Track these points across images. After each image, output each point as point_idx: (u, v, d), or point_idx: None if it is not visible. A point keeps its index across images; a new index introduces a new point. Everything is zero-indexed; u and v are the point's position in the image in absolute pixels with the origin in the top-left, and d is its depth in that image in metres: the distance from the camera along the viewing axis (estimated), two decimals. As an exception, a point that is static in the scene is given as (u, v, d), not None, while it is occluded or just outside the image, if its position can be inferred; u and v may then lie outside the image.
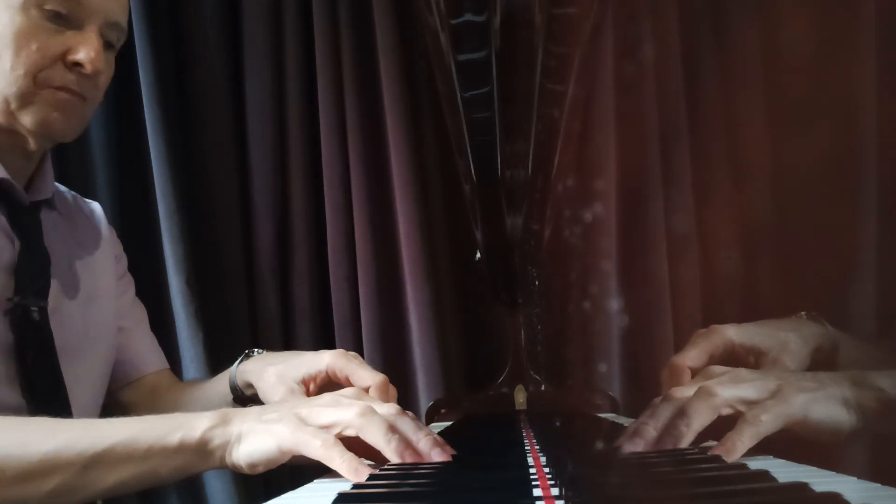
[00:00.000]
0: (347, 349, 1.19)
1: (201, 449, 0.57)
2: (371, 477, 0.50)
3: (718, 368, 0.60)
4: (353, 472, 0.52)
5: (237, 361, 0.84)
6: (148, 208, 1.22)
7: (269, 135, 1.25)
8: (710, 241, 1.15)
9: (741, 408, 0.53)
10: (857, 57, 1.06)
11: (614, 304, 1.15)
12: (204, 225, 1.23)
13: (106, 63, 0.77)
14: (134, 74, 1.20)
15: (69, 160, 1.20)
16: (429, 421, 1.11)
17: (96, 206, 0.94)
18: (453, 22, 0.71)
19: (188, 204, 1.21)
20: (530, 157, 0.87)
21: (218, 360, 1.17)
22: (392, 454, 0.54)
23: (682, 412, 0.54)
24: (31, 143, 0.76)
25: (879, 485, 0.39)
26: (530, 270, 1.09)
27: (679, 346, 1.14)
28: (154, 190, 1.19)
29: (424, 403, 1.16)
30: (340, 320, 1.22)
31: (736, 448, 0.50)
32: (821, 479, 0.41)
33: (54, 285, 0.78)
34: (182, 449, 0.56)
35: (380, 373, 0.72)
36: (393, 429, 0.55)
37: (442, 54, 0.76)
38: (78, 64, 0.73)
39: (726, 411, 0.54)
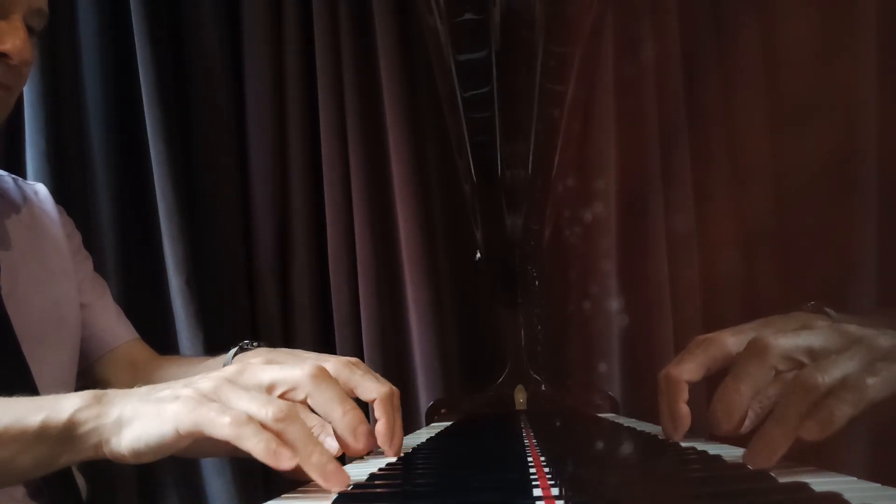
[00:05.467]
0: (347, 349, 1.21)
1: (68, 435, 0.47)
2: (371, 477, 0.50)
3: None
4: (271, 455, 0.43)
5: (232, 352, 0.81)
6: (148, 208, 1.22)
7: (269, 135, 1.25)
8: (710, 241, 1.15)
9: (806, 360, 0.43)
10: (857, 57, 1.06)
11: (614, 304, 1.15)
12: (204, 225, 1.23)
13: (31, 51, 0.74)
14: (134, 74, 1.20)
15: (69, 160, 1.20)
16: (429, 421, 1.11)
17: (40, 188, 0.91)
18: (453, 21, 0.71)
19: (188, 204, 1.21)
20: (530, 157, 0.87)
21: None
22: (346, 430, 0.47)
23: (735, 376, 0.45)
24: None
25: (879, 485, 0.39)
26: (530, 270, 1.09)
27: (679, 347, 1.14)
28: (154, 190, 1.19)
29: (424, 403, 1.16)
30: (340, 320, 1.22)
31: (834, 420, 0.40)
32: (821, 479, 0.41)
33: (6, 268, 0.75)
34: (44, 435, 0.47)
35: (386, 382, 0.67)
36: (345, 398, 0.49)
37: (442, 54, 0.76)
38: (4, 55, 0.69)
39: (784, 366, 0.45)
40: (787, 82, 1.12)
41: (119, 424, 0.47)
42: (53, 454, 0.48)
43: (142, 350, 0.93)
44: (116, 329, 0.92)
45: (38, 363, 0.76)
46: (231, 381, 0.48)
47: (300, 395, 0.48)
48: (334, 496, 0.41)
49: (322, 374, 0.49)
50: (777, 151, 1.14)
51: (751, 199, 1.14)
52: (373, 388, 0.64)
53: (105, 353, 0.90)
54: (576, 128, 1.14)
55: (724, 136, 1.16)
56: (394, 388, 0.67)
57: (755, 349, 0.47)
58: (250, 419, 0.44)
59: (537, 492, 0.41)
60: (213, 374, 0.49)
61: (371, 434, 0.48)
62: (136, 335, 0.94)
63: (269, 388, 0.48)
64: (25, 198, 0.87)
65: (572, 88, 0.87)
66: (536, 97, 0.78)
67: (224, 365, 0.78)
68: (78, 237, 0.94)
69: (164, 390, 0.48)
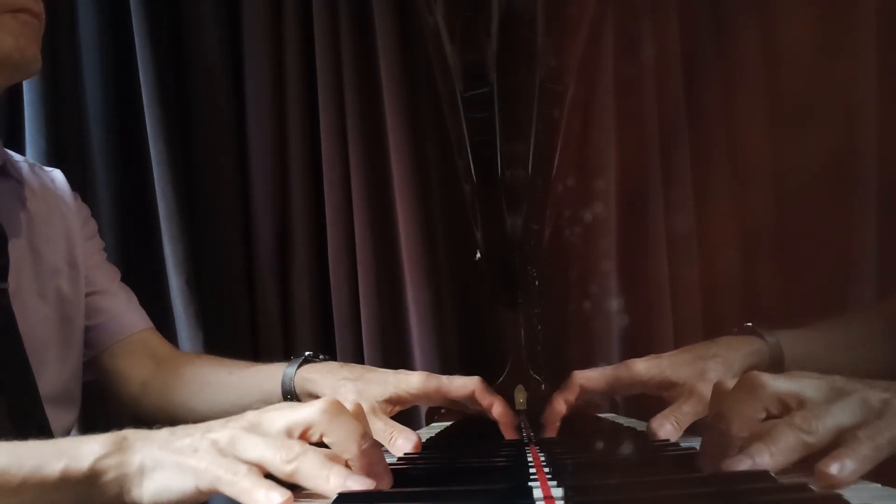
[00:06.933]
0: (347, 349, 1.21)
1: (91, 483, 0.46)
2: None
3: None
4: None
5: (295, 364, 0.77)
6: (148, 208, 1.22)
7: (269, 135, 1.25)
8: (710, 241, 1.15)
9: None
10: (857, 57, 1.06)
11: (614, 304, 1.15)
12: (204, 225, 1.23)
13: None
14: (134, 74, 1.20)
15: (69, 160, 1.20)
16: (429, 421, 1.11)
17: (57, 174, 0.90)
18: (453, 22, 0.71)
19: (188, 204, 1.21)
20: (530, 157, 0.87)
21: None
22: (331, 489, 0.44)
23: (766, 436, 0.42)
24: None
25: (879, 485, 0.39)
26: (530, 270, 1.09)
27: (679, 346, 1.14)
28: (154, 190, 1.19)
29: (424, 403, 1.15)
30: (340, 320, 1.22)
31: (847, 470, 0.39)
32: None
33: (15, 264, 0.73)
34: (65, 482, 0.46)
35: (470, 387, 0.70)
36: (332, 462, 0.45)
37: (442, 54, 0.76)
38: None
39: (776, 409, 0.44)
40: (787, 82, 1.12)
41: (140, 475, 0.46)
42: (74, 501, 0.47)
43: (160, 342, 0.90)
44: (128, 317, 0.89)
45: (40, 363, 0.74)
46: (247, 430, 0.47)
47: (315, 435, 0.47)
48: (335, 496, 0.41)
49: (335, 410, 0.47)
50: (777, 151, 1.14)
51: (751, 199, 1.14)
52: (464, 383, 0.70)
53: (116, 343, 0.87)
54: (576, 128, 1.14)
55: (724, 137, 1.16)
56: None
57: (748, 386, 0.44)
58: (257, 480, 0.43)
59: (537, 492, 0.41)
60: (231, 424, 0.48)
61: (388, 470, 0.46)
62: (151, 324, 0.91)
63: (288, 433, 0.47)
64: (42, 184, 0.85)
65: (572, 88, 0.87)
66: (536, 97, 0.78)
67: (286, 378, 0.76)
68: (94, 224, 0.92)
69: (183, 439, 0.47)
